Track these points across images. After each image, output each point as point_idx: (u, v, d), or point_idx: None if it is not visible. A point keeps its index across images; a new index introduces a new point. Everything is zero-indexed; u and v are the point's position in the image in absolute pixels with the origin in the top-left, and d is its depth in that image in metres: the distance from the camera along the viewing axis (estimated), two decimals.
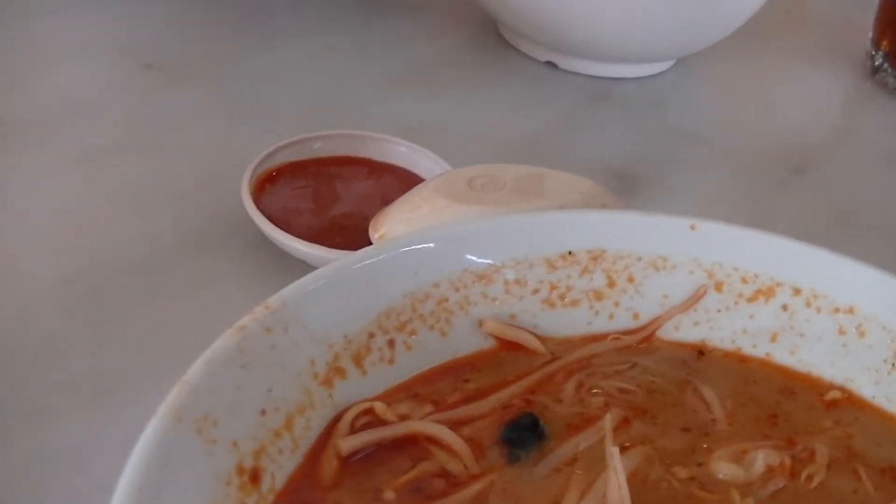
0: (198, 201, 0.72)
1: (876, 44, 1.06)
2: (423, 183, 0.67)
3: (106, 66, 0.86)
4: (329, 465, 0.46)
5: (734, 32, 0.95)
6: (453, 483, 0.47)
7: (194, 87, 0.85)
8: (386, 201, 0.68)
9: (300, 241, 0.65)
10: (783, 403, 0.54)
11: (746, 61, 1.06)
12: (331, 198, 0.71)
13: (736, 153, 0.89)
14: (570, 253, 0.54)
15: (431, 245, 0.52)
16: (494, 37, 1.00)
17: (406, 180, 0.73)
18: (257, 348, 0.45)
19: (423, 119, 0.84)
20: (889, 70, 1.04)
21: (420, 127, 0.82)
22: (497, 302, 0.53)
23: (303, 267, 0.64)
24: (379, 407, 0.48)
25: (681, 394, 0.53)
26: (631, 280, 0.55)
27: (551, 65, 0.95)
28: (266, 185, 0.71)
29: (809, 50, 1.10)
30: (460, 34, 1.00)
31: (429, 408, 0.50)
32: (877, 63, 1.05)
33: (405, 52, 0.95)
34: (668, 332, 0.56)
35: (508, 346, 0.54)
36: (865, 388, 0.55)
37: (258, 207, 0.67)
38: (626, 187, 0.80)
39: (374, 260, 0.50)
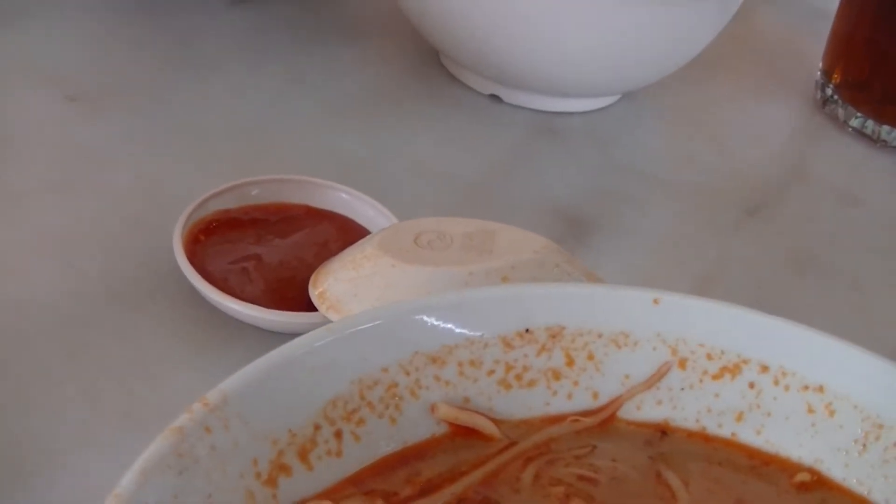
0: (126, 248, 0.69)
1: (826, 75, 1.04)
2: (367, 238, 0.64)
3: (27, 99, 0.82)
4: None
5: (683, 65, 0.92)
6: None
7: (120, 120, 0.81)
8: (325, 252, 0.66)
9: (235, 300, 0.61)
10: (750, 486, 0.52)
11: (695, 94, 1.03)
12: (268, 249, 0.68)
13: (686, 192, 0.87)
14: (527, 331, 0.51)
15: (378, 325, 0.49)
16: (437, 67, 0.96)
17: (347, 229, 0.70)
18: (196, 451, 0.41)
19: (362, 156, 0.81)
20: (839, 101, 1.02)
21: (359, 165, 0.79)
22: (450, 385, 0.50)
23: (236, 325, 0.61)
24: None
25: (644, 480, 0.51)
26: (591, 358, 0.52)
27: (495, 98, 0.92)
28: (200, 236, 0.67)
29: (759, 83, 1.08)
30: (401, 63, 0.96)
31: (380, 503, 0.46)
32: (827, 94, 1.03)
33: (343, 82, 0.91)
34: (630, 412, 0.53)
35: (463, 432, 0.51)
36: (835, 469, 0.53)
37: (191, 261, 0.64)
38: (576, 232, 0.78)
39: (320, 345, 0.47)
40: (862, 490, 0.52)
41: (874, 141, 1.00)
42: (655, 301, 0.53)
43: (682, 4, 0.85)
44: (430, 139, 0.87)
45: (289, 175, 0.72)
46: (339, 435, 0.47)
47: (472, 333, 0.51)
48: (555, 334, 0.52)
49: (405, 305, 0.51)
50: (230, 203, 0.70)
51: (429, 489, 0.48)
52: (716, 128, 0.99)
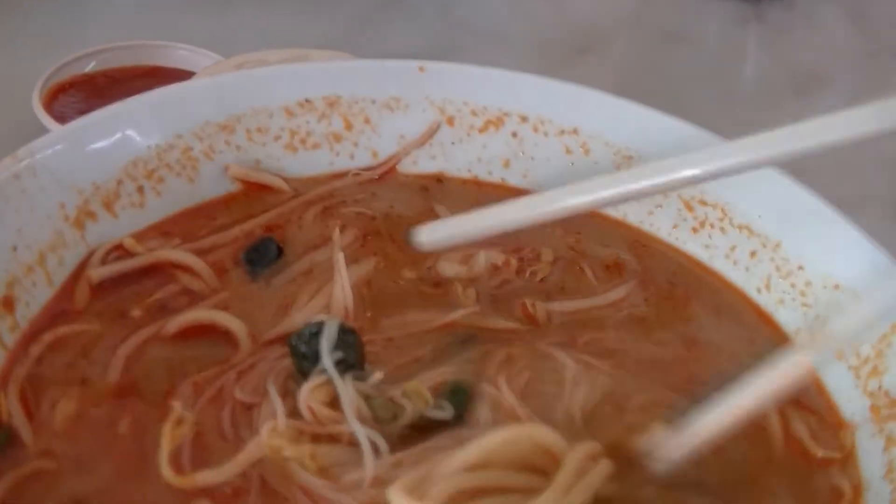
0: None
1: None
2: (197, 74, 0.72)
3: None
4: (81, 293, 0.51)
5: None
6: (197, 299, 0.52)
7: None
8: None
9: None
10: None
11: None
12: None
13: (522, 41, 0.94)
14: (306, 100, 0.59)
15: (171, 98, 0.57)
16: None
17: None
18: (5, 192, 0.50)
19: (217, 32, 0.89)
20: None
21: (214, 39, 0.86)
22: (241, 149, 0.58)
23: None
24: (128, 242, 0.53)
25: (417, 215, 0.58)
26: (367, 121, 0.60)
27: None
28: (59, 95, 0.75)
29: None
30: None
31: (177, 241, 0.54)
32: None
33: None
34: (408, 167, 0.61)
35: (256, 188, 0.59)
36: None
37: (51, 115, 0.71)
38: None
39: (117, 113, 0.55)
40: (617, 214, 0.60)
41: None
42: (421, 69, 0.61)
43: None
44: (280, 13, 0.95)
45: (137, 41, 0.80)
46: (140, 190, 0.56)
47: (256, 104, 0.59)
48: (332, 102, 0.60)
49: (193, 83, 0.60)
50: (84, 68, 0.78)
51: (221, 230, 0.56)
52: None
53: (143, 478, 0.43)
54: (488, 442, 0.41)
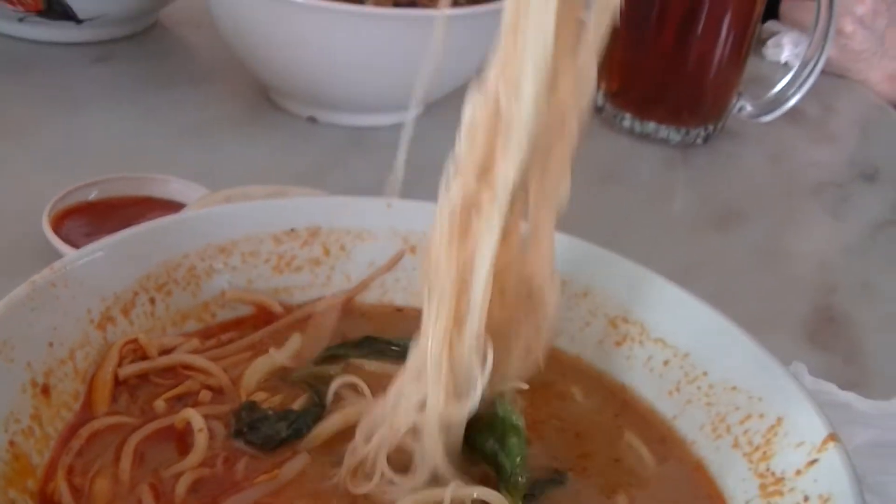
0: (3, 235, 0.86)
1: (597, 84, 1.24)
2: (189, 205, 0.83)
3: None
4: (107, 387, 0.61)
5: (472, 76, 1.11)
6: (216, 393, 0.62)
7: (3, 144, 1.00)
8: None
9: None
10: None
11: None
12: (118, 226, 0.85)
13: None
14: (292, 230, 0.70)
15: (181, 224, 0.68)
16: (264, 100, 1.17)
17: (180, 210, 0.88)
18: (44, 297, 0.59)
19: (205, 167, 1.00)
20: (609, 109, 1.22)
21: (202, 172, 0.96)
22: (236, 270, 0.69)
23: None
24: (142, 338, 0.63)
25: None
26: (342, 249, 0.71)
27: (312, 120, 1.12)
28: (65, 220, 0.86)
29: None
30: (236, 99, 1.17)
31: (195, 342, 0.66)
32: (598, 104, 1.23)
33: (190, 115, 1.11)
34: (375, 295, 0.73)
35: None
36: None
37: (59, 237, 0.82)
38: None
39: (136, 236, 0.65)
40: None
41: (642, 137, 1.22)
42: (388, 205, 0.72)
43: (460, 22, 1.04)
44: (259, 153, 1.06)
45: (133, 173, 0.91)
46: (152, 301, 0.66)
47: (249, 232, 0.70)
48: (314, 232, 0.71)
49: (200, 212, 0.70)
50: (87, 196, 0.88)
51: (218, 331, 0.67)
52: None
53: None
54: None
